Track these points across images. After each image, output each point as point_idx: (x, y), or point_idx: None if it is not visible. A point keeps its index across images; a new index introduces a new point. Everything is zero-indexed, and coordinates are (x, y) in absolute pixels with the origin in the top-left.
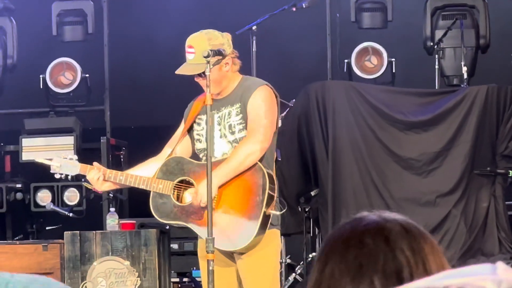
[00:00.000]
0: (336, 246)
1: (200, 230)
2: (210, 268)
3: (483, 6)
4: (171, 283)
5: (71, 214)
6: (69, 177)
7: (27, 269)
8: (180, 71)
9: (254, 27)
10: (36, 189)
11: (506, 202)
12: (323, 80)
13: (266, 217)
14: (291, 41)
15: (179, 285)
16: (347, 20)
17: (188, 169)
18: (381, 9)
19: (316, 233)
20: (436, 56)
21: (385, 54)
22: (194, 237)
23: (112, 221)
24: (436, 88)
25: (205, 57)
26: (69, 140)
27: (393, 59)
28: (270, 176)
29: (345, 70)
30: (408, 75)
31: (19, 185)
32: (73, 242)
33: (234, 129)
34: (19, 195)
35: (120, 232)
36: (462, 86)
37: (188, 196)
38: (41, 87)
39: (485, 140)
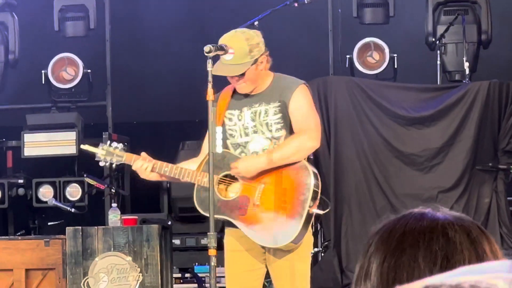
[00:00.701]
0: (415, 236)
1: (242, 226)
2: (212, 264)
3: (485, 2)
4: (173, 279)
5: (73, 210)
6: (114, 165)
7: (29, 265)
8: (220, 72)
9: (256, 23)
10: (38, 184)
11: (508, 198)
12: (325, 76)
13: (309, 215)
14: (293, 37)
15: (181, 281)
16: (349, 15)
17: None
18: (383, 5)
19: (318, 228)
20: (438, 51)
21: (387, 50)
22: (196, 233)
23: (114, 216)
24: (438, 83)
25: (207, 52)
26: (71, 135)
27: (395, 55)
28: (315, 174)
29: (347, 66)
30: (410, 70)
31: (21, 181)
32: (75, 238)
33: (271, 128)
34: (21, 191)
35: (122, 228)
36: (464, 81)
37: (231, 191)
38: (43, 82)
39: (487, 136)
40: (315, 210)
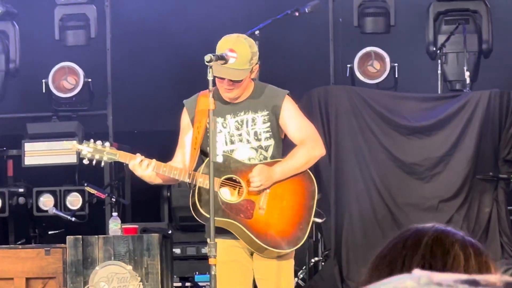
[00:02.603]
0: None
1: (248, 229)
2: (213, 273)
3: (486, 11)
4: None
5: (73, 219)
6: (102, 163)
7: (30, 274)
8: (219, 73)
9: (257, 32)
10: (39, 193)
11: (509, 207)
12: (325, 85)
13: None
14: (294, 46)
15: None
16: (350, 25)
17: (235, 167)
18: (383, 14)
19: (319, 237)
20: (439, 61)
21: (387, 59)
22: (196, 242)
23: (114, 225)
24: (439, 93)
25: (207, 62)
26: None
27: (396, 64)
28: (315, 184)
29: (347, 75)
30: (410, 80)
31: (21, 190)
32: (76, 247)
33: (260, 136)
34: (21, 200)
35: (122, 237)
36: (465, 91)
37: (228, 194)
38: (44, 91)
39: (488, 145)
40: (314, 218)
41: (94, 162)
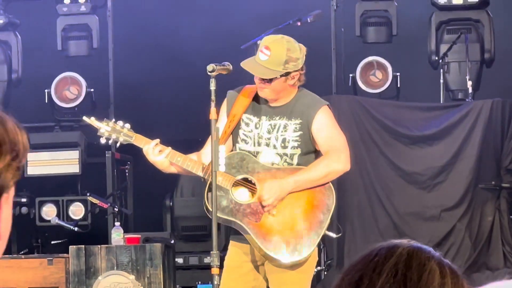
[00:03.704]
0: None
1: (253, 232)
2: (215, 282)
3: (488, 20)
4: None
5: (76, 229)
6: (118, 144)
7: (32, 284)
8: (248, 68)
9: (259, 42)
10: (41, 203)
11: (511, 216)
12: (328, 95)
13: (323, 236)
14: None
15: None
16: (352, 34)
17: (253, 168)
18: (386, 24)
19: (321, 247)
20: (441, 70)
21: (390, 69)
22: (198, 252)
23: (117, 235)
24: (441, 102)
25: (210, 71)
26: (74, 154)
27: (398, 74)
28: (334, 198)
29: (350, 85)
30: (413, 89)
31: (24, 200)
32: (78, 257)
33: (287, 144)
34: (24, 210)
35: (125, 247)
36: (467, 100)
37: (242, 195)
38: (46, 101)
39: (490, 154)
40: (329, 233)
41: (110, 142)
